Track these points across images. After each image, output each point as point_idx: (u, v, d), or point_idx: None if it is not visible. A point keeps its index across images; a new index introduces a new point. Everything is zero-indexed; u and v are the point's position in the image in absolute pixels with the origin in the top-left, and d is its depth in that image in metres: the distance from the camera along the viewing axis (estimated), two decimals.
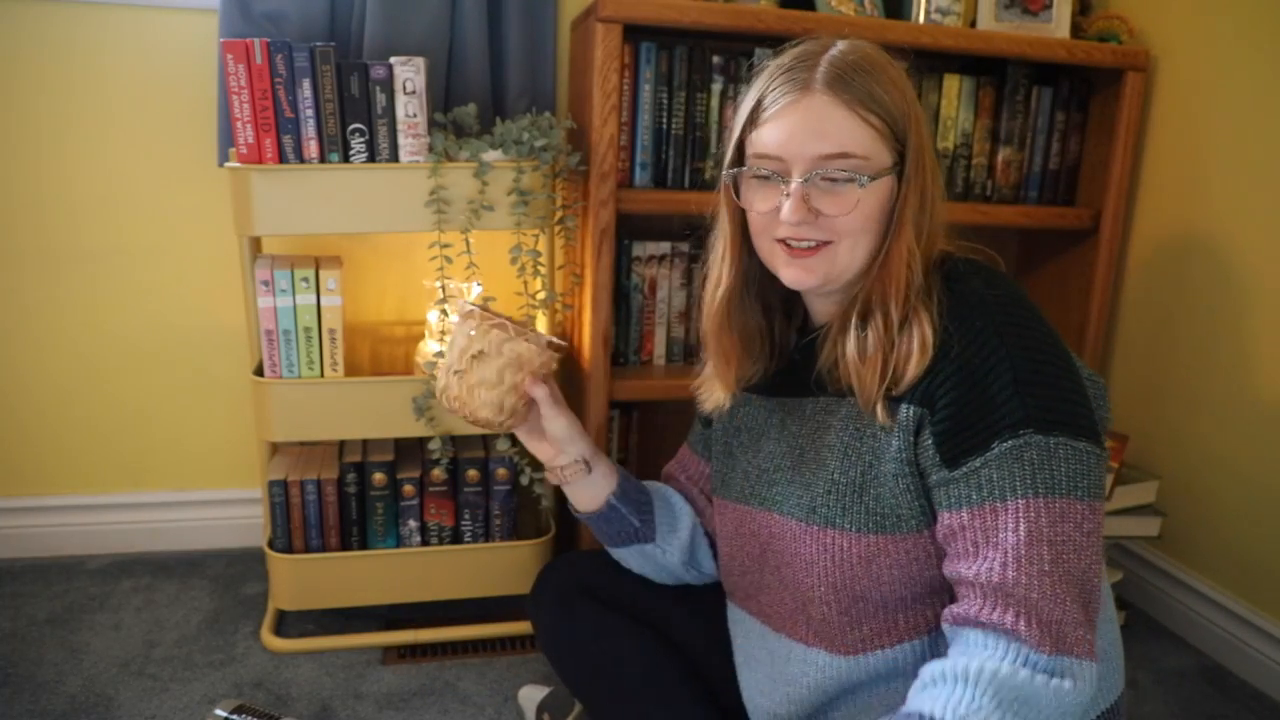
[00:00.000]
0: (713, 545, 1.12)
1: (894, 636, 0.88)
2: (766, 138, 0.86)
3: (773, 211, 0.87)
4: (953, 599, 0.82)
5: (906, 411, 0.83)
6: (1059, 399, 0.77)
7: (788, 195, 0.85)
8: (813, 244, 0.87)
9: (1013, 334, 0.79)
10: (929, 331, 0.82)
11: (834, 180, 0.84)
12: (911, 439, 0.83)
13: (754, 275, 0.97)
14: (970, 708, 0.69)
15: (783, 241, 0.88)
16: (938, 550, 0.83)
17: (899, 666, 0.88)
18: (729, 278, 0.97)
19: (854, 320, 0.86)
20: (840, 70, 0.84)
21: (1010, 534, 0.74)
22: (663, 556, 1.10)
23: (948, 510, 0.80)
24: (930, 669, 0.75)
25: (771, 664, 0.97)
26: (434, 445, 1.46)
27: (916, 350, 0.82)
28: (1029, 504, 0.74)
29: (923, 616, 0.87)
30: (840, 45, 0.87)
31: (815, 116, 0.84)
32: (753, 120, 0.88)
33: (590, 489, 1.09)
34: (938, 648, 0.86)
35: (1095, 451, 0.77)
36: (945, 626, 0.79)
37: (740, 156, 0.91)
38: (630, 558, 1.12)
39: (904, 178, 0.85)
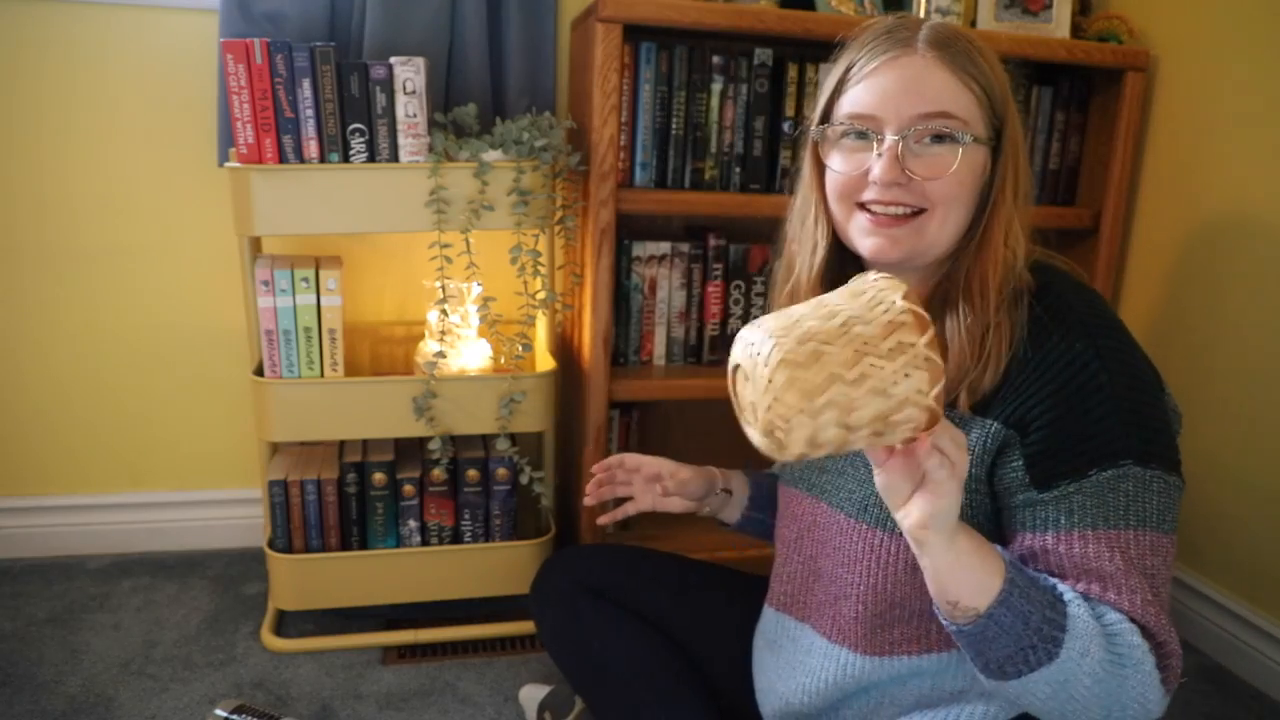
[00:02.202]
0: None
1: (924, 645, 0.86)
2: (860, 95, 0.81)
3: (860, 174, 0.81)
4: None
5: (991, 429, 0.79)
6: (1156, 431, 0.76)
7: (880, 154, 0.80)
8: (903, 211, 0.81)
9: (1115, 359, 0.76)
10: (1012, 339, 0.78)
11: (935, 140, 0.80)
12: (990, 459, 0.79)
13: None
14: (1091, 626, 0.70)
15: (867, 209, 0.83)
16: None
17: (922, 671, 0.87)
18: (825, 240, 0.89)
19: (933, 305, 0.82)
20: (944, 35, 0.81)
21: (1107, 563, 0.73)
22: None
23: (1030, 531, 0.77)
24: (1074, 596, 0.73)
25: (793, 652, 0.96)
26: (434, 445, 1.46)
27: (1000, 357, 0.78)
28: (1121, 535, 0.73)
29: None
30: (938, 19, 0.88)
31: (916, 74, 0.80)
32: (844, 82, 0.84)
33: (733, 509, 1.15)
34: (966, 661, 0.83)
35: (1181, 486, 0.77)
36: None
37: (827, 118, 0.86)
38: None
39: (1000, 154, 0.81)
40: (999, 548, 0.73)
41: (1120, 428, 0.74)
